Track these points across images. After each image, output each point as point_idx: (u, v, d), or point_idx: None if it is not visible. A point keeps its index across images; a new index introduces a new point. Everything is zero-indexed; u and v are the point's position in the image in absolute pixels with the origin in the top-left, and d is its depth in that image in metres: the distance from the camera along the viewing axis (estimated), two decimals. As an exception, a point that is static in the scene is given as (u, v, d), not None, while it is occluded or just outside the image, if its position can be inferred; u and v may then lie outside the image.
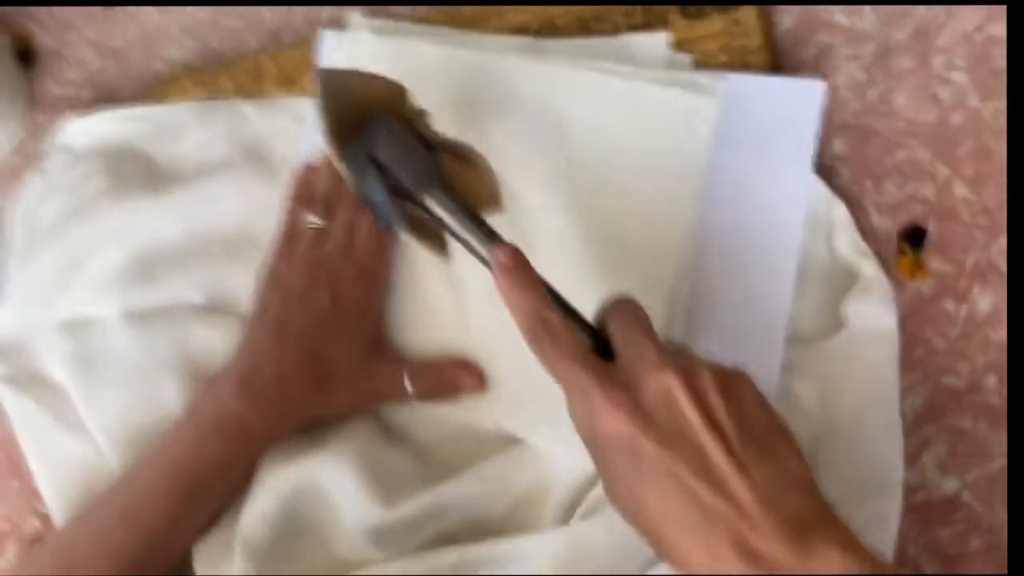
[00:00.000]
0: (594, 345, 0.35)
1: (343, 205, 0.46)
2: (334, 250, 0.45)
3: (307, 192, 0.47)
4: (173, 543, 0.43)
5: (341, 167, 0.40)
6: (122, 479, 0.43)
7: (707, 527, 0.30)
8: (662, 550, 0.31)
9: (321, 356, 0.44)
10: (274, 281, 0.46)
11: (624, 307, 0.35)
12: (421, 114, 0.42)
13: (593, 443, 0.33)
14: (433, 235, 0.41)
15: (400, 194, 0.39)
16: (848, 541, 0.30)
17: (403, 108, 0.42)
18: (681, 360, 0.32)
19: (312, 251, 0.45)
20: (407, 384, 0.45)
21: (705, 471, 0.30)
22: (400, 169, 0.39)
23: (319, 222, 0.46)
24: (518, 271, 0.36)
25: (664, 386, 0.31)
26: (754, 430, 0.31)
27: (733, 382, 0.32)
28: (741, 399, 0.32)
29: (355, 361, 0.45)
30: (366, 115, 0.40)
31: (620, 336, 0.34)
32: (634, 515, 0.32)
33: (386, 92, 0.42)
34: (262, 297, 0.46)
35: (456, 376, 0.45)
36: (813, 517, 0.30)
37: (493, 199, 0.40)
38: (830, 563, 0.29)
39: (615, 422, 0.31)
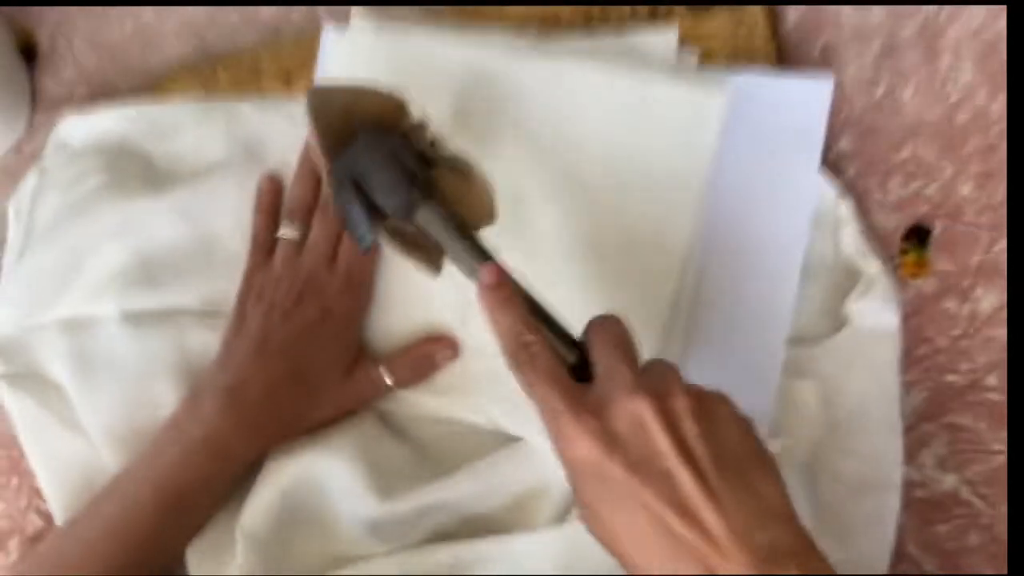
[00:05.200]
0: (579, 364, 0.36)
1: (323, 215, 0.48)
2: (317, 262, 0.46)
3: (274, 202, 0.49)
4: (159, 554, 0.45)
5: (326, 180, 0.41)
6: (108, 491, 0.45)
7: (675, 556, 0.30)
8: (631, 573, 0.32)
9: (306, 372, 0.45)
10: (254, 294, 0.47)
11: (606, 327, 0.36)
12: (420, 127, 0.43)
13: (566, 466, 0.34)
14: (426, 251, 0.42)
15: (377, 217, 0.40)
16: (823, 573, 0.30)
17: (401, 121, 0.43)
18: (656, 384, 0.33)
19: (292, 264, 0.47)
20: (387, 380, 0.46)
21: (674, 499, 0.30)
22: (379, 187, 0.39)
23: (292, 233, 0.47)
24: (500, 290, 0.37)
25: (635, 411, 0.32)
26: (729, 457, 0.31)
27: (710, 407, 0.33)
28: (717, 425, 0.32)
29: (339, 373, 0.46)
30: (355, 130, 0.41)
31: (599, 357, 0.35)
32: (604, 538, 0.33)
33: (383, 105, 0.42)
34: (242, 310, 0.47)
35: (430, 353, 0.47)
36: (787, 549, 0.30)
37: (489, 214, 0.41)
38: None
39: (583, 447, 0.32)
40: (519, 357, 0.35)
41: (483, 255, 0.39)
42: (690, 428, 0.31)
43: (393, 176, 0.39)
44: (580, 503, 0.34)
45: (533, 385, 0.35)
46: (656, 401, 0.32)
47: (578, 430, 0.32)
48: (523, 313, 0.36)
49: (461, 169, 0.41)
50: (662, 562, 0.31)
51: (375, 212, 0.40)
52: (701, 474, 0.31)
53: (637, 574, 0.32)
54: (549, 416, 0.34)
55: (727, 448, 0.32)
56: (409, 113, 0.43)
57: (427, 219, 0.39)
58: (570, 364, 0.36)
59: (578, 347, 0.37)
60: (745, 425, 0.33)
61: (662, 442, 0.31)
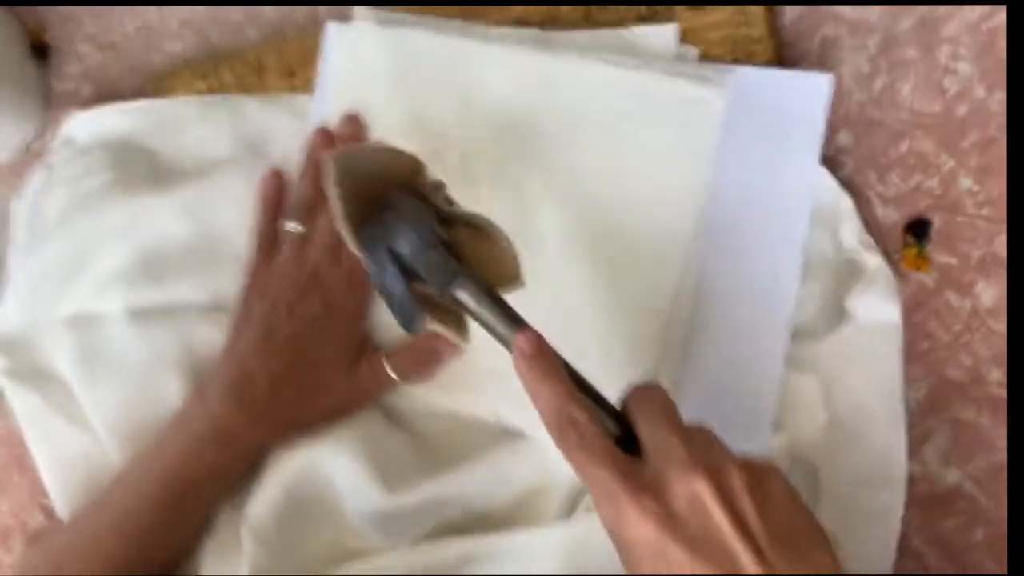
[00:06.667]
0: (619, 431, 0.36)
1: (327, 210, 0.48)
2: (321, 257, 0.47)
3: (277, 197, 0.50)
4: (165, 549, 0.45)
5: (360, 254, 0.40)
6: (114, 485, 0.46)
7: None
8: None
9: (311, 366, 0.46)
10: (259, 289, 0.48)
11: (649, 397, 0.36)
12: (437, 187, 0.43)
13: (619, 543, 0.34)
14: (454, 316, 0.41)
15: (416, 291, 0.39)
16: None
17: (417, 180, 0.43)
18: (709, 459, 0.33)
19: (297, 259, 0.47)
20: (392, 374, 0.47)
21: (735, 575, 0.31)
22: (423, 266, 0.38)
23: (297, 227, 0.48)
24: (541, 360, 0.37)
25: (693, 490, 0.32)
26: (784, 530, 0.32)
27: (763, 479, 0.33)
28: (771, 498, 0.33)
29: (344, 367, 0.47)
30: (380, 192, 0.40)
31: (646, 431, 0.35)
32: None
33: (399, 164, 0.42)
34: (247, 302, 0.48)
35: (435, 348, 0.47)
36: None
37: (513, 275, 0.40)
38: None
39: (643, 528, 0.32)
40: (567, 433, 0.35)
41: (517, 322, 0.38)
42: (747, 504, 0.32)
43: (429, 246, 0.39)
44: None
45: (583, 464, 0.35)
46: (712, 478, 0.32)
47: (637, 511, 0.32)
48: (566, 385, 0.36)
49: (481, 228, 0.40)
50: None
51: (408, 280, 0.39)
52: (759, 549, 0.31)
53: None
54: (603, 496, 0.34)
55: (781, 521, 0.33)
56: (425, 172, 0.43)
57: (463, 288, 0.38)
58: (615, 436, 0.36)
59: (616, 415, 0.37)
60: (796, 495, 0.34)
61: (721, 520, 0.32)
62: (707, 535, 0.32)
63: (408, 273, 0.39)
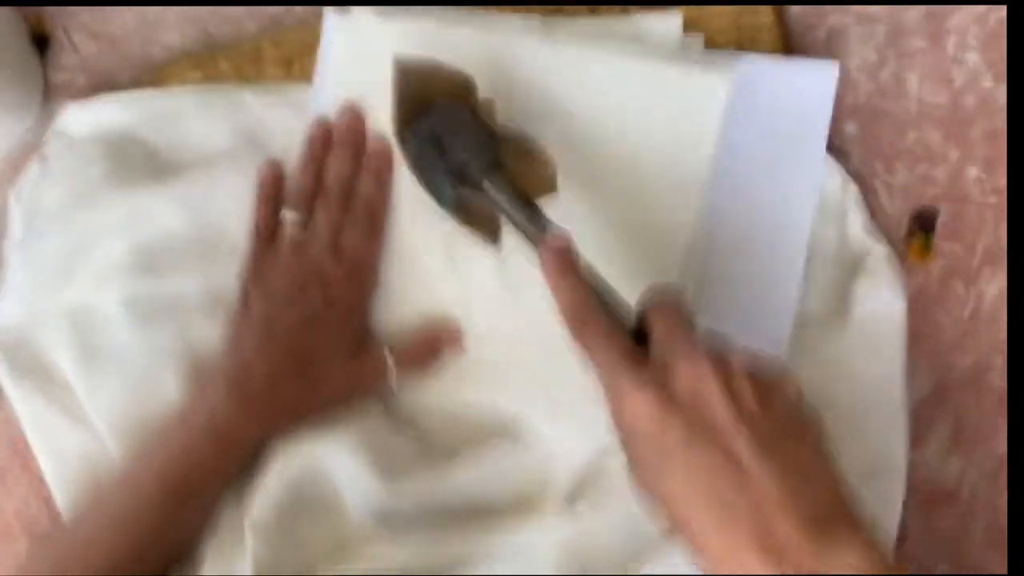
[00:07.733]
0: (636, 332, 0.37)
1: (326, 203, 0.48)
2: (321, 251, 0.47)
3: (275, 188, 0.50)
4: (166, 546, 0.45)
5: (401, 149, 0.46)
6: (114, 482, 0.46)
7: (728, 517, 0.31)
8: (684, 537, 0.33)
9: (310, 359, 0.46)
10: (258, 280, 0.48)
11: (666, 298, 0.38)
12: (487, 104, 0.46)
13: (622, 429, 0.35)
14: (484, 222, 0.44)
15: (456, 178, 0.43)
16: (869, 541, 0.31)
17: (469, 97, 0.45)
18: (714, 348, 0.34)
19: (297, 252, 0.48)
20: (391, 368, 0.47)
21: (730, 462, 0.32)
22: (461, 151, 0.43)
23: (295, 220, 0.48)
24: (564, 258, 0.38)
25: (695, 372, 0.33)
26: (783, 424, 0.33)
27: (767, 375, 0.34)
28: (773, 392, 0.34)
29: (343, 359, 0.47)
30: (430, 102, 0.45)
31: (659, 326, 0.36)
32: (658, 502, 0.34)
33: (454, 80, 0.45)
34: (246, 296, 0.48)
35: (435, 342, 0.48)
36: (836, 515, 0.32)
37: (550, 186, 0.44)
38: (848, 561, 0.30)
39: (643, 408, 0.33)
40: (579, 321, 0.37)
41: (546, 224, 0.41)
42: (747, 394, 0.33)
43: (469, 142, 0.43)
44: (632, 463, 0.35)
45: (592, 347, 0.36)
46: (715, 366, 0.33)
47: (637, 388, 0.33)
48: (585, 280, 0.38)
49: (525, 144, 0.45)
50: (714, 523, 0.32)
51: (453, 178, 0.43)
52: (756, 439, 0.32)
53: (687, 534, 0.33)
54: (608, 375, 0.35)
55: (781, 415, 0.33)
56: (477, 90, 0.46)
57: (496, 185, 0.42)
58: (628, 330, 0.37)
59: (635, 317, 0.38)
60: (799, 394, 0.35)
61: (720, 405, 0.32)
62: (705, 418, 0.32)
63: (448, 169, 0.44)
